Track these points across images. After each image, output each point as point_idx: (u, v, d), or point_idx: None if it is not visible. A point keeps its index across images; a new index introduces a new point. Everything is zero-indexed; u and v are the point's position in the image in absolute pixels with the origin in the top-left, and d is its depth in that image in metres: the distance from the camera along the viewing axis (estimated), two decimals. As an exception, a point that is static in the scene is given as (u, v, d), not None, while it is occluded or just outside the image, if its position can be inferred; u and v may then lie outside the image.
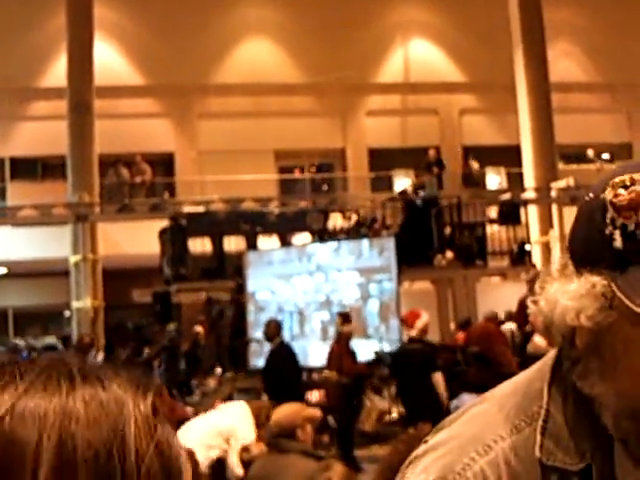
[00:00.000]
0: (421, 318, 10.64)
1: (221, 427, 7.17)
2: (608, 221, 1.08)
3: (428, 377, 9.87)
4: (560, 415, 1.20)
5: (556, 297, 1.13)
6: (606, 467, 1.16)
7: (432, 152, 21.98)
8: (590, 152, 22.10)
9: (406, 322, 11.00)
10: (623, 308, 1.07)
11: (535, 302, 1.18)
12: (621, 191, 1.08)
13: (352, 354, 12.06)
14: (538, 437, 1.18)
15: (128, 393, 0.76)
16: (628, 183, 1.08)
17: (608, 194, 1.09)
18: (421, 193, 19.15)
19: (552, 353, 1.26)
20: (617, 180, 1.09)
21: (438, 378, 9.95)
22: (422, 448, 1.26)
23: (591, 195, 1.13)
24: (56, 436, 0.71)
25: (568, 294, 1.12)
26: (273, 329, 10.91)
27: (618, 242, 1.07)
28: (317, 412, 5.51)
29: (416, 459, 1.24)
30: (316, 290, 14.89)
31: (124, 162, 22.16)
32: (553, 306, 1.14)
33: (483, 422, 1.23)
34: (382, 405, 13.37)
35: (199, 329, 15.97)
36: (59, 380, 0.76)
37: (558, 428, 1.19)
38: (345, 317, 12.37)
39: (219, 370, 14.60)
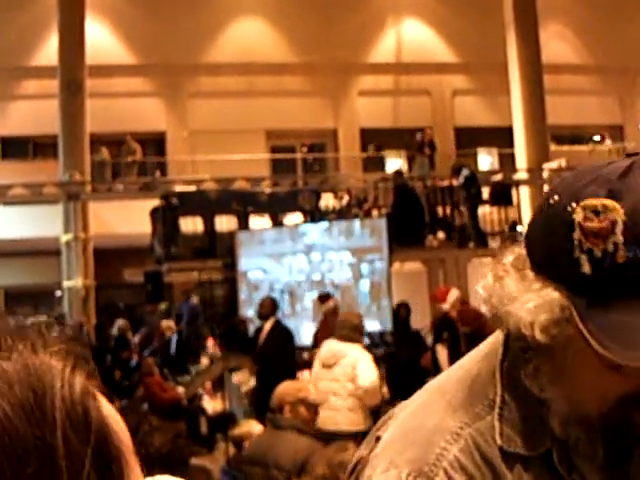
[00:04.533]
0: (452, 293, 10.95)
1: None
2: (576, 243, 1.06)
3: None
4: (515, 402, 1.20)
5: (510, 304, 1.12)
6: (564, 452, 1.17)
7: (429, 132, 22.01)
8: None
9: (437, 298, 11.20)
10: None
11: (486, 289, 1.16)
12: (591, 216, 1.06)
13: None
14: (497, 424, 1.18)
15: (60, 362, 0.67)
16: (600, 209, 1.05)
17: (578, 214, 1.07)
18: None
19: (499, 337, 1.25)
20: (589, 203, 1.06)
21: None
22: (379, 445, 1.24)
23: (556, 199, 1.11)
24: None
25: (524, 306, 1.10)
26: (268, 307, 10.84)
27: (586, 268, 1.05)
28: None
29: (373, 457, 1.23)
30: (308, 270, 14.91)
31: (107, 142, 22.00)
32: (505, 311, 1.12)
33: (441, 410, 1.22)
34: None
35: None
36: None
37: (514, 416, 1.19)
38: (324, 297, 12.33)
39: (210, 349, 14.63)
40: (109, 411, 0.69)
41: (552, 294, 1.09)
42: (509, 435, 1.18)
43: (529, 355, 1.17)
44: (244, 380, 11.24)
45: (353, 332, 7.82)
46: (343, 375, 7.54)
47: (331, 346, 7.86)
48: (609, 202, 1.05)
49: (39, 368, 0.65)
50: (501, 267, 1.16)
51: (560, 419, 1.15)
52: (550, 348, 1.12)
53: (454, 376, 1.28)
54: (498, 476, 1.16)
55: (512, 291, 1.12)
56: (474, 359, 1.28)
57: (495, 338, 1.26)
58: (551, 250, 1.10)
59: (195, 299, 16.28)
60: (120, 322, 15.62)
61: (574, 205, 1.07)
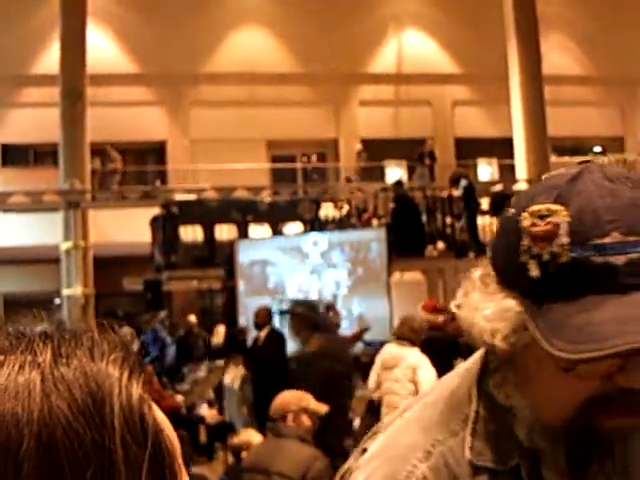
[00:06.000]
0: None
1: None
2: (524, 248, 1.09)
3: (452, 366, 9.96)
4: (488, 416, 1.21)
5: (473, 314, 1.14)
6: (533, 466, 1.17)
7: (430, 143, 22.11)
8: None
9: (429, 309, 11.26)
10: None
11: (459, 307, 1.18)
12: (537, 221, 1.08)
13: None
14: (468, 438, 1.20)
15: (117, 370, 0.68)
16: (545, 213, 1.08)
17: (525, 221, 1.09)
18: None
19: (480, 353, 1.27)
20: (535, 208, 1.09)
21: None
22: (361, 459, 1.27)
23: (512, 211, 1.14)
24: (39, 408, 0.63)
25: (484, 315, 1.13)
26: (263, 317, 10.87)
27: (534, 271, 1.08)
28: (322, 408, 5.51)
29: (356, 469, 1.26)
30: (307, 280, 14.91)
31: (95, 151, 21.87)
32: (471, 322, 1.15)
33: (420, 427, 1.24)
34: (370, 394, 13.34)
35: (192, 318, 16.03)
36: (34, 343, 0.67)
37: (487, 429, 1.20)
38: (328, 308, 12.34)
39: (209, 358, 14.62)
40: (161, 418, 0.70)
41: (509, 302, 1.11)
42: (480, 449, 1.19)
43: (496, 364, 1.21)
44: (235, 377, 11.21)
45: (412, 335, 8.25)
46: (403, 376, 8.02)
47: (391, 349, 8.44)
48: (553, 206, 1.08)
49: (97, 375, 0.66)
50: (470, 282, 1.19)
51: (526, 427, 1.17)
52: (513, 356, 1.15)
53: (437, 392, 1.30)
54: None
55: (476, 302, 1.15)
56: (456, 374, 1.30)
57: (479, 354, 1.28)
58: (506, 259, 1.12)
59: (192, 318, 16.15)
60: (125, 330, 15.62)
61: (523, 213, 1.10)
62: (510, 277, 1.12)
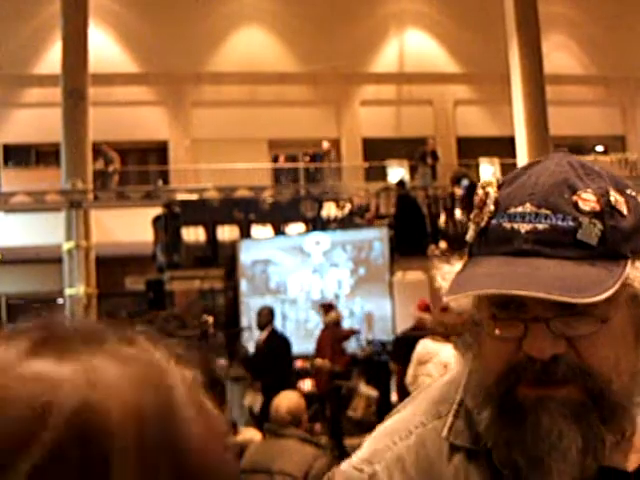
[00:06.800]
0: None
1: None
2: (472, 216, 1.21)
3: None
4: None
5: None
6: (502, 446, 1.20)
7: (431, 142, 22.10)
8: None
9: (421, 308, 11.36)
10: None
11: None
12: (479, 191, 1.21)
13: (339, 343, 12.07)
14: (450, 418, 1.26)
15: (168, 359, 0.67)
16: (484, 185, 1.21)
17: (477, 195, 1.22)
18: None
19: None
20: (481, 182, 1.22)
21: None
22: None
23: None
24: (77, 400, 0.60)
25: (445, 278, 1.24)
26: (265, 316, 10.89)
27: (469, 236, 1.21)
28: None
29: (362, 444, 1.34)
30: (309, 279, 14.91)
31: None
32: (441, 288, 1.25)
33: (413, 411, 1.32)
34: (370, 393, 13.36)
35: (209, 318, 16.06)
36: (80, 338, 0.65)
37: (469, 410, 1.24)
38: (327, 307, 12.35)
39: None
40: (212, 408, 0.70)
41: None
42: (459, 429, 1.24)
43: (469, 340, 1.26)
44: (254, 401, 11.20)
45: (447, 331, 8.38)
46: (436, 371, 8.19)
47: (426, 344, 8.77)
48: (490, 179, 1.22)
49: (158, 369, 0.66)
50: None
51: (471, 394, 1.22)
52: (472, 324, 1.22)
53: (441, 377, 1.38)
54: (433, 472, 1.23)
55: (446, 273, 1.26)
56: (459, 363, 1.34)
57: None
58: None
59: (209, 318, 16.13)
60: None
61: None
62: (464, 245, 1.24)
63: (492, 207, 1.17)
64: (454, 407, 1.26)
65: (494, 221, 1.16)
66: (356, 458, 1.29)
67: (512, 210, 1.15)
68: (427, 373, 8.41)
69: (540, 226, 1.12)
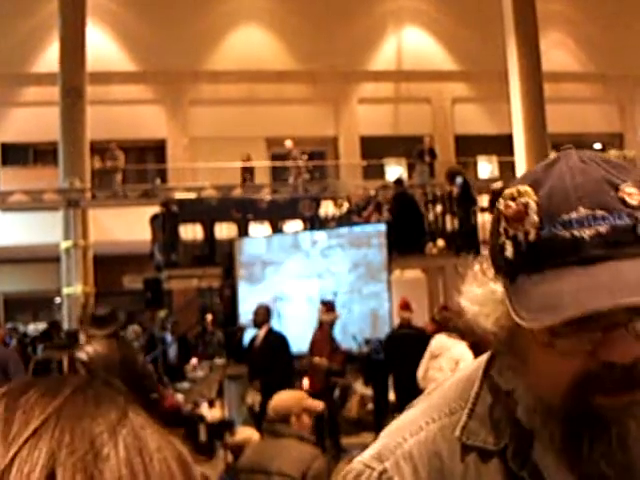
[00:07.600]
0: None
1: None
2: (502, 231, 1.14)
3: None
4: (488, 398, 1.26)
5: (469, 303, 1.19)
6: (523, 448, 1.20)
7: (427, 140, 22.06)
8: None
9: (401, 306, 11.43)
10: None
11: (461, 298, 1.22)
12: (510, 203, 1.14)
13: (334, 342, 12.03)
14: (464, 418, 1.25)
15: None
16: (515, 195, 1.14)
17: (500, 205, 1.16)
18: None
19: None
20: (507, 192, 1.16)
21: None
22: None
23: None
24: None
25: (475, 300, 1.18)
26: (262, 315, 10.87)
27: (509, 252, 1.13)
28: (319, 405, 5.50)
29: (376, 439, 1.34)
30: (307, 277, 14.89)
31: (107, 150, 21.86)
32: (468, 310, 1.19)
33: (424, 407, 1.31)
34: (364, 392, 13.34)
35: (207, 317, 16.10)
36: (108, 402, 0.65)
37: (484, 410, 1.24)
38: (329, 305, 12.31)
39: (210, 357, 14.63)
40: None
41: (496, 286, 1.16)
42: (473, 429, 1.23)
43: (498, 349, 1.25)
44: (256, 401, 11.17)
45: (463, 328, 8.38)
46: (447, 366, 8.36)
47: (440, 339, 8.87)
48: (522, 187, 1.14)
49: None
50: (471, 274, 1.23)
51: (525, 409, 1.19)
52: (510, 339, 1.18)
53: (454, 376, 1.37)
54: (444, 470, 1.23)
55: (471, 291, 1.21)
56: (477, 361, 1.34)
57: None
58: (492, 245, 1.18)
59: (208, 317, 16.27)
60: (134, 327, 15.78)
61: (500, 199, 1.17)
62: (494, 261, 1.17)
63: (536, 218, 1.10)
64: (468, 406, 1.25)
65: (544, 232, 1.10)
66: (367, 455, 1.29)
67: (565, 217, 1.09)
68: (438, 367, 8.56)
69: (601, 229, 1.07)
